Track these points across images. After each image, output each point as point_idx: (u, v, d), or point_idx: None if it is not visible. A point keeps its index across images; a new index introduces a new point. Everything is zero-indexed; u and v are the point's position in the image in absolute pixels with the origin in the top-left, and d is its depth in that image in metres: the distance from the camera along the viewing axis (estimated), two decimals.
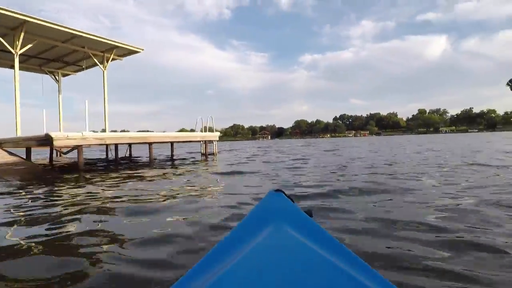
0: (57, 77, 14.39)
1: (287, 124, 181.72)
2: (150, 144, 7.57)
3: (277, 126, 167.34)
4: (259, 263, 0.61)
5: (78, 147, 6.18)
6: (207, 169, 6.64)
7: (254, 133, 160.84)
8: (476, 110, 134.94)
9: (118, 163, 8.50)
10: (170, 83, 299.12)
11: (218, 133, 10.58)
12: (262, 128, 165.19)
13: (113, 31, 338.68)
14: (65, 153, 13.50)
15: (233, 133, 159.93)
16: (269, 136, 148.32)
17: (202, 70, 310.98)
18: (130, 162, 8.93)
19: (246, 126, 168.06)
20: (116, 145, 9.86)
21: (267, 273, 0.57)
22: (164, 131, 12.00)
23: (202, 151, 10.70)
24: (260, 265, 0.60)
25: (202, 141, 10.17)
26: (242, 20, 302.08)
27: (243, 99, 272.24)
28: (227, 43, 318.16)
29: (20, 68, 13.64)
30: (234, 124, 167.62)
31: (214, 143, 10.66)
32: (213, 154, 10.66)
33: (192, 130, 11.06)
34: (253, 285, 0.53)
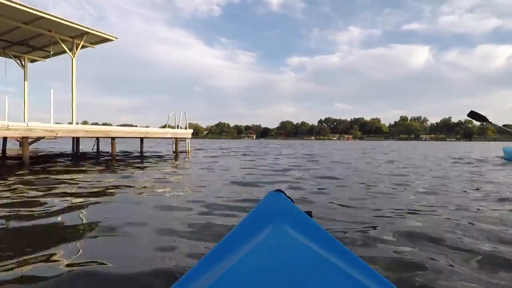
0: (23, 63, 13.36)
1: (272, 124, 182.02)
2: (112, 139, 6.88)
3: (262, 126, 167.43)
4: (259, 263, 0.61)
5: (23, 140, 5.48)
6: (173, 173, 5.42)
7: (239, 132, 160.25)
8: (455, 119, 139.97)
9: (77, 159, 7.75)
10: (157, 78, 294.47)
11: (191, 131, 9.98)
12: (247, 127, 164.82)
13: (99, 20, 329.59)
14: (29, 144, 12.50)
15: (218, 131, 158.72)
16: (254, 136, 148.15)
17: (189, 66, 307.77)
18: (89, 158, 8.15)
19: (231, 124, 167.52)
20: (77, 139, 9.10)
21: (267, 273, 0.56)
22: (147, 126, 11.32)
23: (173, 149, 10.07)
24: (260, 265, 0.59)
25: (173, 138, 9.55)
26: (232, 18, 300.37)
27: (230, 98, 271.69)
28: (216, 40, 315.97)
29: None
30: (219, 122, 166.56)
31: (187, 141, 10.06)
32: (186, 152, 10.06)
33: (177, 127, 10.43)
34: (253, 285, 0.53)
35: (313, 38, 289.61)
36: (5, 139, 7.72)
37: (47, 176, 4.53)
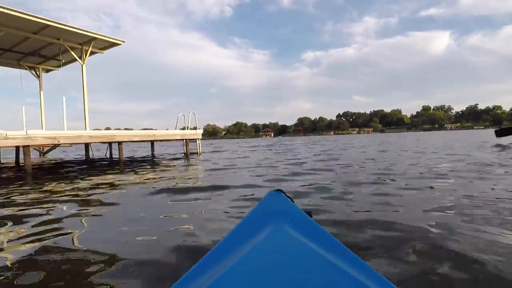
0: (37, 73, 13.60)
1: (290, 121, 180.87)
2: (119, 143, 6.67)
3: (280, 124, 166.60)
4: (259, 263, 0.60)
5: (24, 148, 5.34)
6: (184, 177, 4.81)
7: (257, 130, 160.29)
8: (482, 106, 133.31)
9: (84, 166, 7.58)
10: (174, 81, 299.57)
11: (201, 131, 9.67)
12: (265, 125, 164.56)
13: (115, 29, 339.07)
14: (45, 153, 12.73)
15: (236, 131, 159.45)
16: (272, 134, 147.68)
17: (204, 68, 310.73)
18: (98, 165, 7.94)
19: (249, 123, 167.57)
20: (86, 145, 9.02)
21: (267, 273, 0.56)
22: (167, 129, 11.26)
23: (184, 150, 9.80)
24: (260, 265, 0.59)
25: (183, 139, 9.27)
26: (244, 18, 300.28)
27: (246, 97, 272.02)
28: (229, 41, 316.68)
29: None
30: (237, 122, 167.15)
31: (197, 141, 9.76)
32: (197, 153, 9.77)
33: (194, 128, 10.25)
34: (253, 285, 0.53)
35: (327, 31, 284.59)
36: (17, 148, 7.70)
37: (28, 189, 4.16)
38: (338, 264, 0.58)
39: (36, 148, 12.95)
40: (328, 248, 0.66)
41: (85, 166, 7.30)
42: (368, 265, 0.60)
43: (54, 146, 9.51)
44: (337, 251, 0.65)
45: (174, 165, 6.73)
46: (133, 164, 7.12)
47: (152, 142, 9.42)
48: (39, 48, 11.34)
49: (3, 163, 9.68)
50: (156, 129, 10.31)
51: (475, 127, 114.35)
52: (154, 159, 8.74)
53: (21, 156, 9.41)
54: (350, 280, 0.53)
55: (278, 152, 11.05)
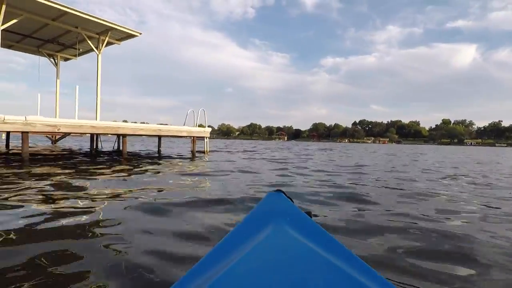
0: (56, 61, 13.74)
1: (304, 126, 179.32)
2: (123, 136, 6.46)
3: (294, 128, 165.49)
4: (259, 263, 0.60)
5: (23, 134, 5.19)
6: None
7: (270, 133, 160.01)
8: (506, 123, 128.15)
9: (91, 157, 7.42)
10: (192, 79, 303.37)
11: (209, 129, 9.38)
12: (279, 129, 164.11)
13: (140, 24, 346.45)
14: (57, 141, 12.77)
15: (250, 132, 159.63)
16: (286, 137, 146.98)
17: (223, 68, 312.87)
18: (95, 160, 7.69)
19: (263, 125, 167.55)
20: (92, 135, 8.89)
21: (267, 273, 0.56)
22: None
23: (191, 148, 9.53)
24: (260, 265, 0.59)
25: (190, 137, 8.99)
26: (266, 20, 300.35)
27: (261, 99, 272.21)
28: (249, 42, 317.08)
29: (16, 49, 13.16)
30: (251, 123, 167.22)
31: (205, 140, 9.47)
32: (204, 152, 9.49)
33: (209, 127, 10.06)
34: (253, 285, 0.53)
35: (349, 38, 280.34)
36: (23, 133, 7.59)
37: None
38: (338, 264, 0.59)
39: (48, 136, 13.03)
40: (328, 248, 0.66)
41: (79, 159, 7.15)
42: (368, 265, 0.60)
43: (65, 135, 9.43)
44: (337, 252, 0.65)
45: (174, 164, 6.46)
46: (133, 160, 6.85)
47: (159, 137, 9.20)
48: (57, 35, 11.40)
49: (11, 149, 9.70)
50: (170, 124, 10.15)
51: (496, 145, 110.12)
52: (160, 156, 8.51)
53: (31, 143, 9.41)
54: (350, 280, 0.54)
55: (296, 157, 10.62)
